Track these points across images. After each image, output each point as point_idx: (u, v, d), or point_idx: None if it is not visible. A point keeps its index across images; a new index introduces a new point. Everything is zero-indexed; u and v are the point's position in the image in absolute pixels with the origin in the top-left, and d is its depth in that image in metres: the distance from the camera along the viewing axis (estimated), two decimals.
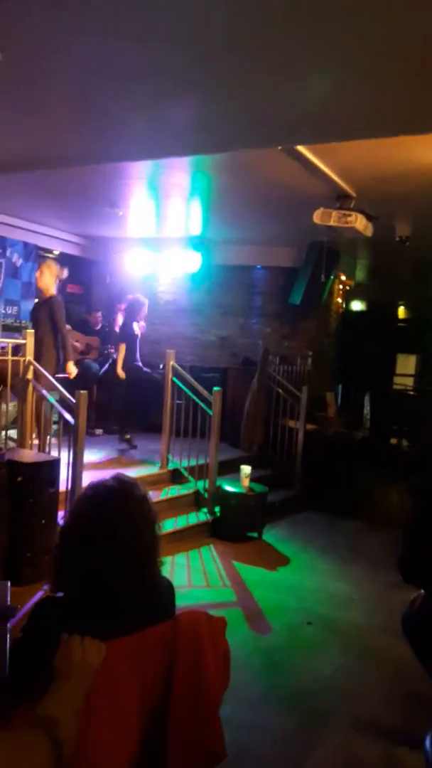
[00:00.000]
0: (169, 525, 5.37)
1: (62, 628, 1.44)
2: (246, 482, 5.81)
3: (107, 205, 6.72)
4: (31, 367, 5.04)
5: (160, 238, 8.76)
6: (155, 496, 5.67)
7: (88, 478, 4.21)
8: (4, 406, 5.20)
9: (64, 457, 4.55)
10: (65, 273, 6.00)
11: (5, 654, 1.54)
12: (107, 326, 8.55)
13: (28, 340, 5.07)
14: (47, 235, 8.57)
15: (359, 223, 5.18)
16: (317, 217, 5.20)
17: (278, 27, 2.61)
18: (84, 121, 4.02)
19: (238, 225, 7.61)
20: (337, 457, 7.62)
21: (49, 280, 5.75)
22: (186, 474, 6.15)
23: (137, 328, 7.07)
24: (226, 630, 1.73)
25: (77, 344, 7.92)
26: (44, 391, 4.97)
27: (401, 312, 13.99)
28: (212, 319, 9.12)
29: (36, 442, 5.18)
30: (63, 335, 5.59)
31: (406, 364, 14.09)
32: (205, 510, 5.90)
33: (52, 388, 4.93)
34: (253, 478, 5.94)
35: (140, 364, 7.04)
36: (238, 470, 5.96)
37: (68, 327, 8.06)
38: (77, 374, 7.47)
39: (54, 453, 4.78)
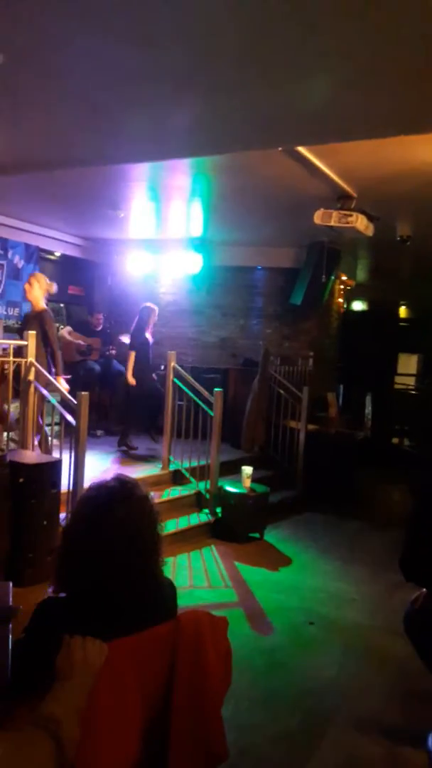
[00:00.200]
0: (170, 526, 5.38)
1: (64, 629, 1.44)
2: (247, 483, 5.81)
3: (109, 207, 6.73)
4: (33, 369, 5.05)
5: (161, 239, 8.77)
6: (156, 497, 5.68)
7: (89, 479, 4.22)
8: (6, 407, 5.22)
9: (66, 458, 4.56)
10: (54, 287, 5.99)
11: (7, 654, 1.54)
12: (108, 327, 8.56)
13: (30, 342, 5.08)
14: (49, 236, 8.58)
15: (360, 223, 5.19)
16: (318, 217, 5.21)
17: (278, 28, 2.62)
18: (85, 124, 4.03)
19: (239, 226, 7.62)
20: (339, 457, 7.62)
21: (38, 293, 5.74)
22: (187, 475, 6.16)
23: (149, 336, 7.15)
24: (227, 630, 1.74)
25: (81, 342, 7.94)
26: (45, 392, 4.99)
27: (402, 311, 14.00)
28: (213, 320, 9.12)
29: (36, 443, 5.19)
30: (54, 350, 5.55)
31: (408, 364, 14.10)
32: (206, 511, 5.91)
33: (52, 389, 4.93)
34: (255, 479, 5.95)
35: (153, 375, 7.04)
36: (239, 471, 5.97)
37: (69, 328, 8.14)
38: (79, 376, 7.52)
39: (55, 454, 4.79)
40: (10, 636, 1.63)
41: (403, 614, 2.84)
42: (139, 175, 5.67)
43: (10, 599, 1.93)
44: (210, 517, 5.83)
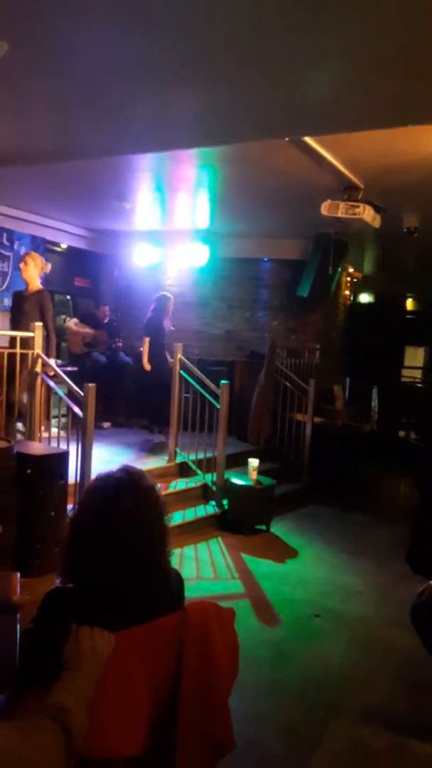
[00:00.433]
0: (177, 518, 5.39)
1: (72, 619, 1.45)
2: (254, 475, 5.81)
3: (115, 199, 6.72)
4: (39, 360, 5.06)
5: (167, 231, 8.75)
6: (163, 488, 5.69)
7: (96, 470, 4.23)
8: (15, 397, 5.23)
9: (73, 450, 4.57)
10: (49, 267, 6.00)
11: (16, 644, 1.55)
12: (115, 320, 8.56)
13: (36, 333, 5.08)
14: (55, 228, 8.58)
15: (367, 214, 5.15)
16: (325, 208, 5.18)
17: (284, 18, 2.60)
18: (91, 114, 4.02)
19: (245, 217, 7.59)
20: (345, 449, 7.61)
21: (34, 272, 5.72)
22: (194, 467, 6.17)
23: (167, 324, 7.23)
24: (234, 621, 1.74)
25: (88, 331, 7.93)
26: (53, 383, 4.99)
27: (409, 304, 13.92)
28: (219, 312, 9.10)
29: (45, 435, 5.20)
30: (50, 331, 5.54)
31: (415, 357, 14.04)
32: (213, 503, 5.92)
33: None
34: (261, 471, 5.95)
35: (167, 364, 7.05)
36: (245, 463, 5.97)
37: (75, 320, 8.15)
38: (86, 368, 7.53)
39: (63, 445, 4.80)
40: (18, 626, 1.63)
41: (409, 606, 2.84)
42: (145, 167, 5.65)
43: (18, 590, 1.94)
44: (216, 509, 5.84)
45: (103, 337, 8.02)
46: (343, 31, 2.70)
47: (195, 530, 5.44)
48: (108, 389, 7.84)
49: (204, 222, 8.01)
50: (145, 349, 7.12)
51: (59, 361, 7.21)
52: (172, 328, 7.40)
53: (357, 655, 3.64)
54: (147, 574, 1.58)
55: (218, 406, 5.94)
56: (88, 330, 7.94)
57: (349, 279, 9.93)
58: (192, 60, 3.08)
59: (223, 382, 6.03)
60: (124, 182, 6.23)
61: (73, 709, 1.30)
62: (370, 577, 4.91)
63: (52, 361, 5.37)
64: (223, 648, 1.66)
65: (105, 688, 1.41)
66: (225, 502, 5.87)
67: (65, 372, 5.16)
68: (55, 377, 5.08)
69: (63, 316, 9.90)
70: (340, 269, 8.14)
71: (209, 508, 5.85)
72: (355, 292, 11.62)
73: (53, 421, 5.52)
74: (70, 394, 4.78)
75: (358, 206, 5.11)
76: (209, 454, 6.06)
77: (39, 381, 5.07)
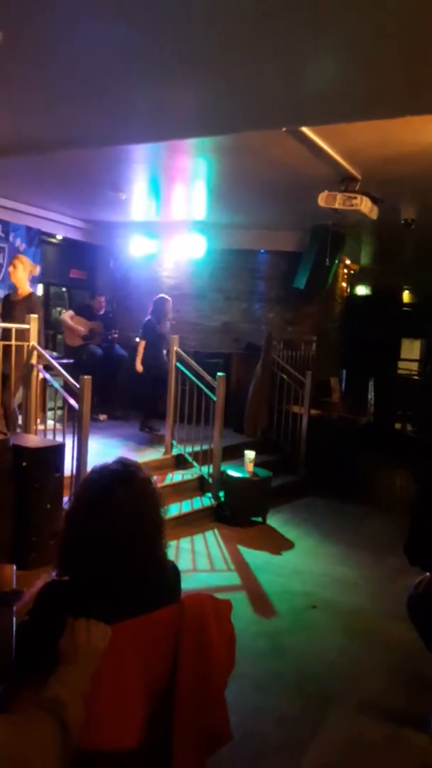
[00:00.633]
0: (173, 510, 5.39)
1: (68, 612, 1.44)
2: (250, 467, 5.81)
3: (111, 189, 6.67)
4: (35, 352, 5.04)
5: (164, 222, 8.70)
6: (159, 481, 5.69)
7: (92, 463, 4.22)
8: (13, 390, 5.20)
9: (69, 442, 4.56)
10: (38, 270, 5.95)
11: (12, 637, 1.54)
12: (111, 311, 8.52)
13: (32, 325, 5.06)
14: (50, 219, 8.52)
15: (364, 205, 5.12)
16: (322, 199, 5.15)
17: (282, 7, 2.56)
18: (87, 103, 3.98)
19: (242, 209, 7.55)
20: (342, 442, 7.62)
21: (23, 275, 5.65)
22: (190, 459, 6.16)
23: (165, 327, 7.27)
24: (231, 613, 1.73)
25: (81, 329, 7.90)
26: (48, 376, 4.97)
27: (406, 296, 13.92)
28: (215, 304, 9.07)
29: (41, 427, 5.18)
30: (40, 336, 5.49)
31: (411, 349, 14.05)
32: (209, 495, 5.92)
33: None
34: (257, 463, 5.95)
35: (162, 361, 7.01)
36: (242, 455, 5.96)
37: (71, 312, 8.11)
38: (82, 360, 7.50)
39: (59, 438, 4.79)
40: (15, 619, 1.62)
41: (405, 598, 2.85)
42: (141, 157, 5.60)
43: (14, 582, 1.93)
44: (213, 501, 5.84)
45: (99, 329, 7.99)
46: (342, 23, 2.67)
47: (191, 522, 5.44)
48: (104, 381, 7.83)
49: (201, 213, 7.96)
50: (139, 352, 7.14)
51: (55, 354, 7.18)
52: (168, 327, 7.36)
53: (354, 647, 3.65)
54: (143, 566, 1.57)
55: (215, 399, 5.93)
56: (81, 328, 7.89)
57: (346, 271, 9.91)
58: (191, 50, 3.04)
59: (219, 374, 6.01)
60: (120, 173, 6.18)
61: (69, 702, 1.29)
62: (367, 568, 4.92)
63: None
64: (219, 640, 1.66)
65: (101, 681, 1.40)
66: (221, 494, 5.87)
67: (61, 364, 5.13)
68: (49, 369, 5.05)
69: (59, 309, 9.86)
70: (337, 261, 8.11)
71: (206, 500, 5.86)
72: (352, 284, 11.61)
73: (49, 414, 5.50)
74: (66, 386, 4.76)
75: (355, 197, 5.08)
76: (206, 447, 6.05)
77: (35, 373, 5.04)
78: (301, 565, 4.88)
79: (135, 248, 9.02)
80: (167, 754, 1.54)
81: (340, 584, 4.55)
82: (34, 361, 5.03)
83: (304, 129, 4.29)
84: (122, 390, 8.16)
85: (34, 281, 8.34)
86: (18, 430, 5.26)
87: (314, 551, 5.25)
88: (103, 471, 1.63)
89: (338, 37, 2.81)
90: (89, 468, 1.71)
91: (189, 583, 3.67)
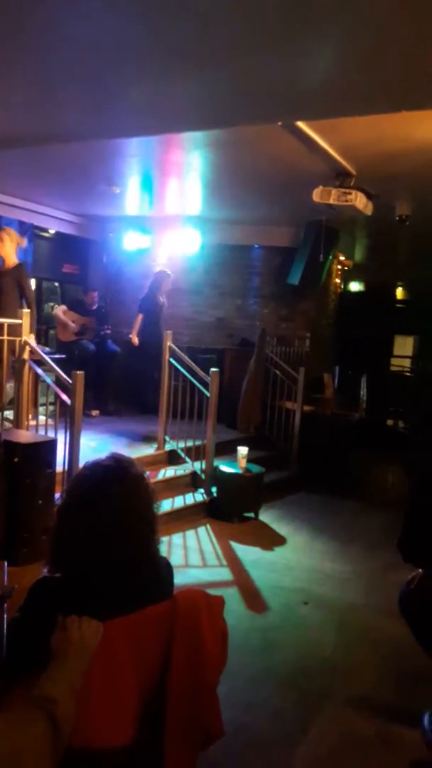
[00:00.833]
0: (166, 505, 5.38)
1: (60, 609, 1.43)
2: (243, 463, 5.80)
3: (104, 183, 6.63)
4: (27, 347, 5.00)
5: (157, 217, 8.67)
6: (152, 476, 5.68)
7: (84, 458, 4.20)
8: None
9: (61, 438, 4.53)
10: (25, 242, 5.90)
11: (2, 634, 1.53)
12: (104, 306, 8.48)
13: (24, 319, 5.02)
14: (43, 213, 8.46)
15: (359, 201, 5.12)
16: (317, 195, 5.15)
17: (280, 3, 2.54)
18: (82, 97, 3.94)
19: (236, 204, 7.53)
20: (334, 438, 7.63)
21: (10, 247, 5.56)
22: (183, 455, 6.15)
23: (162, 299, 7.27)
24: (224, 609, 1.73)
25: (73, 325, 7.86)
26: (41, 371, 4.94)
27: (399, 293, 13.95)
28: (209, 299, 9.05)
29: (33, 423, 5.14)
30: (31, 304, 5.39)
31: (403, 346, 14.10)
32: (201, 490, 5.91)
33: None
34: (250, 459, 5.94)
35: (159, 337, 6.93)
36: (235, 451, 5.96)
37: (64, 307, 8.06)
38: (74, 355, 7.47)
39: (51, 433, 4.76)
40: (5, 615, 1.61)
41: (397, 594, 2.85)
42: (135, 150, 5.57)
43: (5, 578, 1.92)
44: (205, 496, 5.84)
45: (91, 324, 7.95)
46: (338, 17, 2.65)
47: (184, 518, 5.43)
48: (96, 377, 7.80)
49: (195, 208, 7.94)
50: (135, 324, 7.19)
51: (47, 349, 7.15)
52: (163, 301, 7.36)
53: (346, 642, 3.65)
54: (136, 562, 1.55)
55: (208, 394, 5.91)
56: (73, 324, 7.85)
57: (339, 267, 9.91)
58: (186, 43, 3.02)
59: (213, 369, 6.00)
60: (113, 166, 6.15)
61: (60, 699, 1.28)
62: (359, 564, 4.93)
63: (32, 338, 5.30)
64: (212, 636, 1.65)
65: (93, 678, 1.39)
66: (214, 489, 5.87)
67: (53, 359, 5.10)
68: (41, 364, 5.02)
69: (51, 303, 9.81)
70: (331, 257, 8.11)
71: (198, 496, 5.85)
72: (346, 281, 11.62)
73: (41, 409, 5.47)
74: (58, 381, 4.73)
75: (350, 193, 5.08)
76: (198, 442, 6.04)
77: (27, 368, 5.01)
78: (293, 560, 4.88)
79: (128, 243, 8.98)
80: (159, 750, 1.53)
81: (332, 580, 4.56)
82: (26, 356, 4.99)
83: (300, 124, 4.28)
84: (115, 385, 8.13)
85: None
86: (7, 424, 5.23)
87: (306, 547, 5.25)
88: (95, 467, 1.61)
89: (335, 31, 2.79)
90: (81, 464, 1.70)
91: (181, 578, 3.67)
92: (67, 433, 4.46)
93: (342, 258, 9.81)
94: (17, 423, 5.02)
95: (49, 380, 4.87)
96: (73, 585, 1.52)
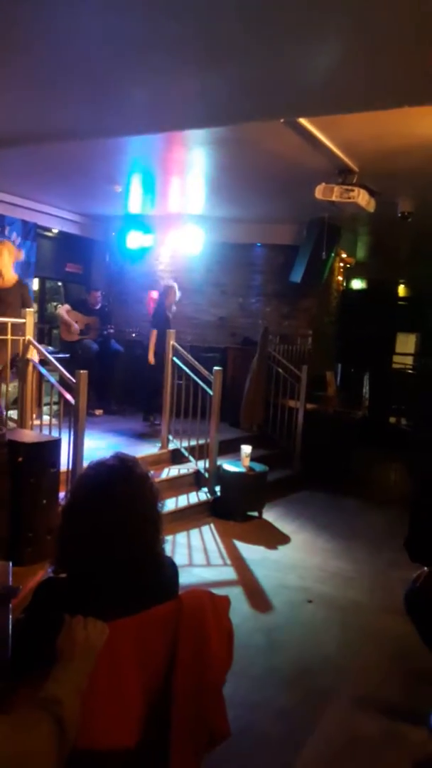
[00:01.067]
0: (169, 504, 5.38)
1: (65, 609, 1.42)
2: (246, 462, 5.80)
3: (106, 182, 6.62)
4: (31, 347, 5.00)
5: (160, 216, 8.67)
6: (156, 476, 5.67)
7: (88, 458, 4.20)
8: (4, 386, 5.17)
9: (65, 438, 4.53)
10: (22, 255, 5.88)
11: (8, 634, 1.53)
12: (107, 306, 8.48)
13: (28, 319, 5.02)
14: (46, 213, 8.46)
15: (362, 198, 5.11)
16: (319, 192, 5.13)
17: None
18: (85, 95, 3.94)
19: (239, 202, 7.52)
20: (337, 436, 7.62)
21: (8, 261, 5.52)
22: (186, 454, 6.15)
23: (168, 314, 7.33)
24: (229, 609, 1.72)
25: (76, 326, 7.86)
26: (44, 371, 4.94)
27: (401, 290, 13.90)
28: (211, 298, 9.04)
29: (37, 422, 5.15)
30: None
31: (406, 343, 14.05)
32: (205, 489, 5.91)
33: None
34: (253, 458, 5.94)
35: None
36: (238, 450, 5.96)
37: (67, 307, 8.06)
38: (77, 355, 7.47)
39: (54, 433, 4.76)
40: (11, 616, 1.61)
41: (401, 592, 2.84)
42: (137, 149, 5.56)
43: (10, 579, 1.92)
44: (209, 495, 5.83)
45: (94, 324, 7.95)
46: (341, 12, 2.64)
47: (187, 517, 5.43)
48: (100, 376, 7.80)
49: (197, 206, 7.93)
50: (151, 342, 7.19)
51: (50, 348, 7.15)
52: (170, 314, 7.36)
53: (350, 641, 3.64)
54: (141, 562, 1.55)
55: (211, 393, 5.91)
56: (76, 324, 7.85)
57: (342, 265, 9.89)
58: (188, 40, 3.01)
59: (216, 368, 5.99)
60: (116, 165, 6.14)
61: (66, 700, 1.28)
62: (363, 562, 4.92)
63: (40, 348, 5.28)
64: (218, 636, 1.65)
65: (98, 679, 1.39)
66: (217, 488, 5.87)
67: (56, 359, 5.10)
68: (45, 364, 5.02)
69: (54, 303, 9.81)
70: (333, 254, 8.09)
71: (201, 495, 5.85)
72: (348, 278, 11.59)
73: (44, 409, 5.46)
74: (62, 381, 4.73)
75: (352, 190, 5.06)
76: (202, 441, 6.04)
77: (30, 368, 5.01)
78: (297, 559, 4.88)
79: (131, 242, 8.97)
80: (165, 751, 1.53)
81: (336, 578, 4.56)
82: (30, 355, 5.00)
83: (302, 120, 4.27)
84: (118, 385, 8.13)
85: (30, 275, 8.31)
86: (12, 424, 5.23)
87: (310, 545, 5.25)
88: (100, 467, 1.61)
89: (338, 27, 2.79)
90: (86, 463, 1.69)
91: (185, 578, 3.65)
92: (71, 433, 4.46)
93: (344, 255, 9.79)
94: (21, 423, 5.03)
95: (52, 380, 4.87)
96: (79, 585, 1.52)
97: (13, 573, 1.94)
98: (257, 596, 4.14)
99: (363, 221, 7.52)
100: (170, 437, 6.27)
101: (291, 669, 3.26)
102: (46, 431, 4.92)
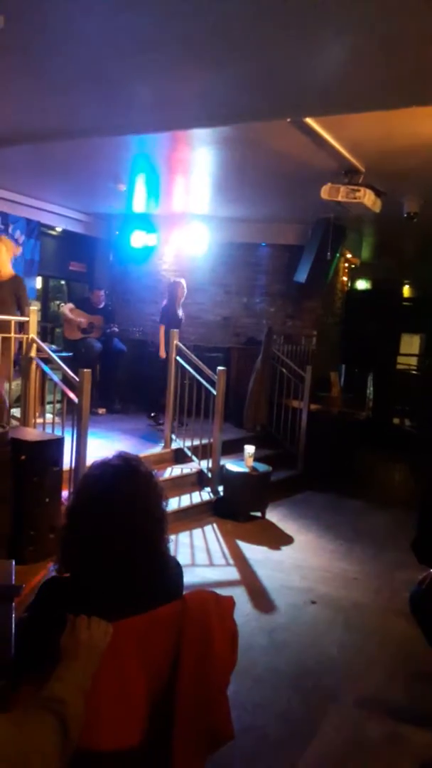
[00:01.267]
0: (172, 504, 5.37)
1: (69, 609, 1.41)
2: (249, 462, 5.79)
3: (110, 180, 6.61)
4: (35, 345, 5.00)
5: (164, 215, 8.66)
6: (159, 475, 5.65)
7: (91, 457, 4.19)
8: (8, 384, 5.16)
9: (68, 436, 4.52)
10: (20, 251, 5.82)
11: (11, 633, 1.52)
12: (110, 305, 8.47)
13: (32, 317, 5.02)
14: (50, 211, 8.46)
15: (368, 198, 5.08)
16: (325, 192, 5.11)
17: None
18: (91, 93, 3.93)
19: (244, 201, 7.51)
20: (341, 436, 7.60)
21: (6, 257, 5.42)
22: (189, 453, 6.14)
23: (180, 311, 7.30)
24: (233, 610, 1.71)
25: (82, 320, 7.86)
26: (48, 369, 4.93)
27: (406, 291, 13.87)
28: (215, 298, 9.03)
29: (40, 421, 5.14)
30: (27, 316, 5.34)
31: (410, 344, 14.01)
32: (208, 489, 5.90)
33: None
34: (257, 458, 5.92)
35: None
36: (241, 450, 5.94)
37: (71, 305, 8.06)
38: (81, 353, 7.47)
39: (57, 432, 4.75)
40: (13, 614, 1.60)
41: (405, 594, 2.83)
42: (142, 148, 5.55)
43: (13, 577, 1.91)
44: (212, 495, 5.82)
45: (98, 323, 7.94)
46: (350, 12, 2.63)
47: (190, 516, 5.42)
48: (103, 375, 7.81)
49: (202, 205, 7.91)
50: (161, 337, 7.12)
51: (53, 347, 7.14)
52: (180, 314, 7.35)
53: (353, 642, 3.63)
54: (146, 562, 1.54)
55: (215, 393, 5.90)
56: (82, 319, 7.85)
57: (346, 265, 9.87)
58: (198, 38, 3.00)
59: (220, 368, 5.98)
60: (120, 164, 6.13)
61: (70, 700, 1.27)
62: (366, 563, 4.90)
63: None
64: (222, 637, 1.63)
65: (102, 678, 1.38)
66: (220, 488, 5.85)
67: (60, 358, 5.09)
68: (48, 362, 5.01)
69: (57, 302, 9.81)
70: (338, 255, 8.07)
71: (205, 495, 5.83)
72: (353, 279, 11.57)
73: (48, 407, 5.46)
74: (65, 379, 4.72)
75: (358, 190, 5.04)
76: (205, 441, 6.03)
77: (34, 366, 5.00)
78: (300, 559, 4.86)
79: (135, 241, 8.97)
80: (168, 752, 1.52)
81: (339, 579, 4.54)
82: (33, 354, 4.99)
83: (309, 120, 4.24)
84: (121, 384, 8.13)
85: (33, 273, 8.31)
86: (15, 422, 5.22)
87: (313, 546, 5.23)
88: (104, 467, 1.60)
89: (345, 25, 2.77)
90: (89, 462, 1.68)
91: (188, 577, 3.63)
92: (74, 431, 4.46)
93: (349, 256, 9.77)
94: (24, 421, 5.03)
95: (56, 378, 4.86)
96: (83, 585, 1.51)
97: (16, 571, 1.94)
98: (260, 596, 4.12)
99: (368, 221, 7.50)
100: (173, 436, 6.27)
101: (294, 670, 3.24)
102: (49, 430, 4.92)
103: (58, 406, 4.97)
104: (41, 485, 4.09)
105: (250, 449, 5.83)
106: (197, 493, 5.85)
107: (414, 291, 13.81)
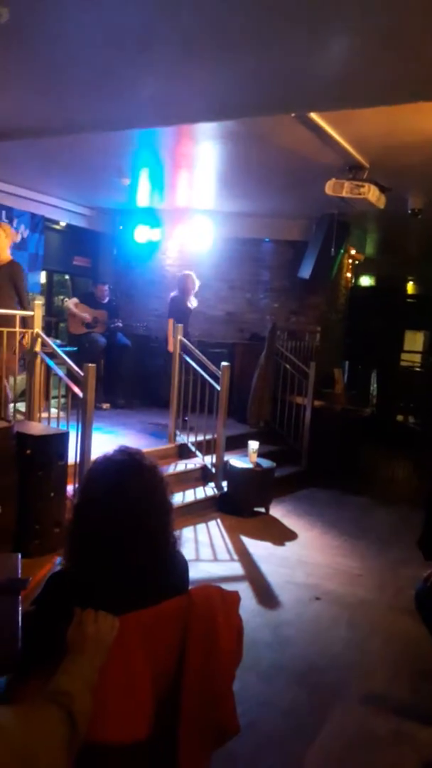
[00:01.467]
0: (176, 499, 5.37)
1: (76, 603, 1.41)
2: (253, 457, 5.78)
3: (114, 175, 6.60)
4: (39, 339, 5.00)
5: (168, 209, 8.64)
6: (163, 470, 5.65)
7: (96, 451, 4.20)
8: (12, 378, 5.17)
9: (72, 430, 4.52)
10: (19, 237, 5.74)
11: (18, 626, 1.52)
12: (114, 299, 8.46)
13: (36, 312, 5.01)
14: (54, 206, 8.45)
15: (372, 194, 5.07)
16: (329, 187, 5.09)
17: None
18: (93, 87, 3.92)
19: (248, 197, 7.49)
20: (344, 433, 7.59)
21: (4, 243, 5.29)
22: (193, 449, 6.13)
23: (192, 303, 7.28)
24: (239, 606, 1.71)
25: (86, 316, 7.86)
26: (53, 364, 4.93)
27: (410, 288, 13.83)
28: (219, 293, 9.01)
29: (45, 415, 5.13)
30: (26, 304, 5.19)
31: (414, 341, 13.98)
32: (212, 485, 5.90)
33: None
34: (261, 454, 5.92)
35: (189, 339, 6.93)
36: (245, 446, 5.94)
37: (75, 300, 8.05)
38: (85, 348, 7.47)
39: (62, 426, 4.76)
40: (20, 608, 1.60)
41: (410, 591, 2.83)
42: (146, 142, 5.54)
43: (19, 571, 1.91)
44: (216, 491, 5.82)
45: (102, 318, 7.94)
46: (356, 5, 2.61)
47: (194, 512, 5.43)
48: (107, 370, 7.81)
49: (206, 200, 7.89)
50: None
51: (58, 341, 7.15)
52: (193, 305, 7.33)
53: (358, 639, 3.63)
54: (152, 556, 1.54)
55: (218, 388, 5.89)
56: (86, 315, 7.84)
57: (350, 261, 9.84)
58: (201, 32, 2.98)
59: (224, 363, 5.97)
60: (124, 158, 6.11)
61: (77, 694, 1.27)
62: (370, 560, 4.90)
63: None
64: (227, 632, 1.63)
65: (108, 673, 1.38)
66: (224, 484, 5.85)
67: (64, 352, 5.09)
68: (53, 356, 5.00)
69: (61, 296, 9.81)
70: (342, 251, 8.05)
71: (209, 490, 5.83)
72: (357, 275, 11.54)
73: (52, 402, 5.46)
74: (70, 374, 4.72)
75: (363, 186, 5.02)
76: (209, 436, 6.03)
77: (38, 360, 5.01)
78: (304, 556, 4.86)
79: (139, 236, 8.95)
80: (174, 746, 1.52)
81: (344, 576, 4.54)
82: (38, 348, 4.99)
83: (313, 115, 4.23)
84: (126, 379, 8.13)
85: (37, 268, 8.31)
86: (20, 416, 5.23)
87: (317, 542, 5.23)
88: (108, 462, 1.59)
89: (352, 20, 2.75)
90: (93, 457, 1.68)
91: (192, 573, 3.62)
92: (79, 426, 4.46)
93: (353, 252, 9.74)
94: (29, 415, 5.03)
95: (60, 373, 4.86)
96: (89, 579, 1.50)
97: (21, 565, 1.94)
98: (264, 592, 4.12)
99: (373, 218, 7.48)
100: (177, 432, 6.26)
101: (298, 666, 3.24)
102: (53, 424, 4.92)
103: (62, 400, 4.97)
104: (46, 479, 4.09)
105: (253, 445, 5.82)
106: (201, 488, 5.85)
107: (418, 288, 13.77)
